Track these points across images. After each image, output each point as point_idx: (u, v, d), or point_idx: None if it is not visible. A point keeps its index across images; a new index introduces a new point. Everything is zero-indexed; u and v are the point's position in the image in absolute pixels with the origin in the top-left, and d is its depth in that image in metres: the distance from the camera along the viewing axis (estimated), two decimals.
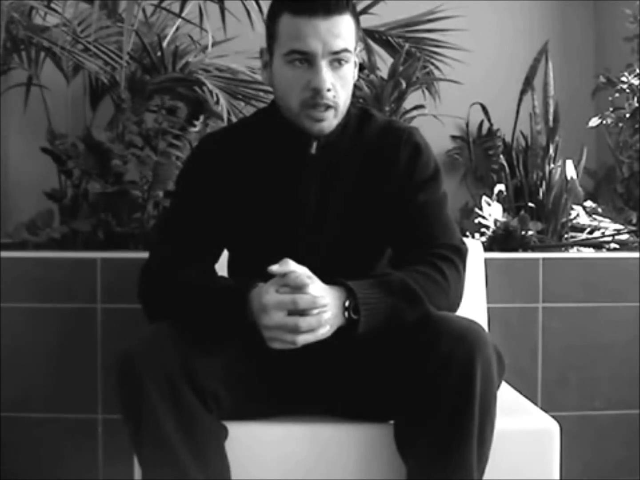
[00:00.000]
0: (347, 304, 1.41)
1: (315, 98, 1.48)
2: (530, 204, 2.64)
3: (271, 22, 1.52)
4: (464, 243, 1.59)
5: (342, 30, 1.47)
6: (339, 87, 1.49)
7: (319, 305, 1.37)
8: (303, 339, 1.37)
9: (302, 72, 1.47)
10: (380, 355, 1.48)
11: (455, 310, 1.54)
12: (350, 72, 1.52)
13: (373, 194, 1.58)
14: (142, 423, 1.38)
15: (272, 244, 1.56)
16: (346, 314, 1.42)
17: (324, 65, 1.46)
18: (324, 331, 1.38)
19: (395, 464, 1.46)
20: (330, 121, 1.51)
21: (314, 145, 1.56)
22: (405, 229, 1.56)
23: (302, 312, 1.36)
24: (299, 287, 1.38)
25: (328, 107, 1.49)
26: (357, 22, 1.54)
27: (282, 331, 1.37)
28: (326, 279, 1.44)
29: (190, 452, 1.39)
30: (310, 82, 1.47)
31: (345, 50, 1.48)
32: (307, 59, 1.47)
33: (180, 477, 1.38)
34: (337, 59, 1.48)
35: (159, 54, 2.54)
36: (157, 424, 1.37)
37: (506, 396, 1.77)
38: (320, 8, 1.44)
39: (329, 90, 1.47)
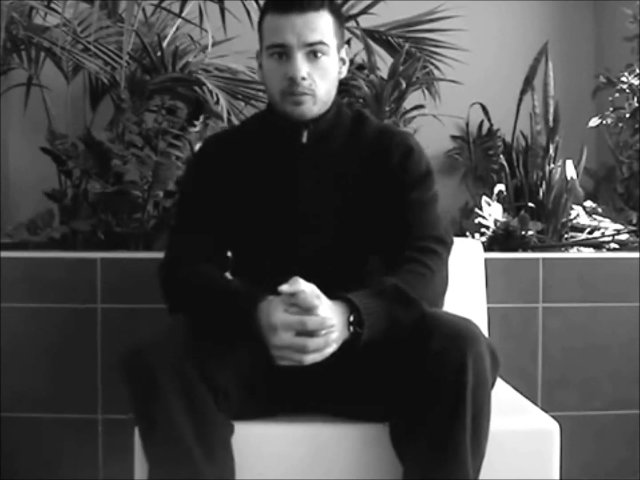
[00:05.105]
0: (351, 319, 1.44)
1: (292, 87, 1.57)
2: (530, 204, 2.64)
3: (259, 23, 1.63)
4: (449, 235, 1.63)
5: (319, 25, 1.56)
6: (316, 77, 1.58)
7: (327, 327, 1.39)
8: (311, 359, 1.39)
9: (281, 64, 1.57)
10: (376, 356, 1.49)
11: (442, 297, 1.58)
12: (330, 64, 1.60)
13: (366, 192, 1.61)
14: (154, 417, 1.39)
15: (272, 237, 1.61)
16: (351, 328, 1.44)
17: (299, 56, 1.55)
18: (331, 350, 1.41)
19: (394, 463, 1.46)
20: (310, 106, 1.59)
21: (305, 134, 1.62)
22: (394, 225, 1.60)
23: (311, 333, 1.38)
24: (308, 309, 1.40)
25: (305, 94, 1.57)
26: (339, 20, 1.63)
27: (290, 351, 1.39)
28: (326, 276, 1.46)
29: (202, 449, 1.39)
30: (287, 73, 1.56)
31: (321, 42, 1.57)
32: (285, 52, 1.56)
33: (193, 477, 1.39)
34: (312, 51, 1.56)
35: (159, 54, 2.54)
36: (169, 419, 1.38)
37: (506, 396, 1.77)
38: (295, 6, 1.55)
39: (304, 79, 1.56)
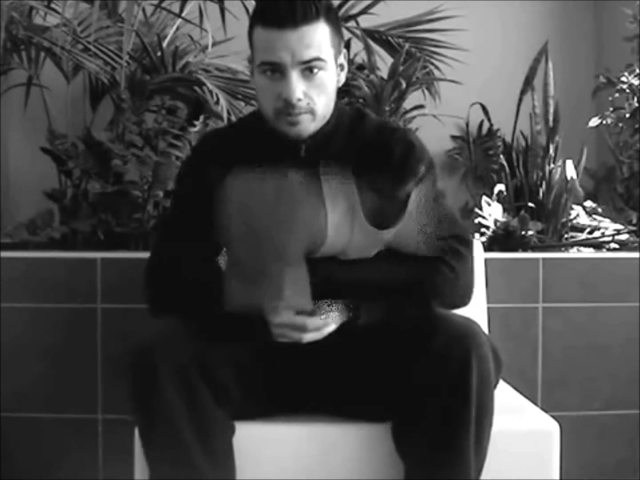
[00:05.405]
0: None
1: (287, 108, 1.49)
2: (530, 204, 2.64)
3: (249, 35, 1.55)
4: (467, 232, 1.59)
5: (314, 40, 1.47)
6: (314, 94, 1.50)
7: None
8: (309, 337, 1.42)
9: (274, 82, 1.49)
10: (379, 354, 1.49)
11: (467, 300, 1.56)
12: (328, 78, 1.52)
13: (368, 190, 1.57)
14: (155, 417, 1.39)
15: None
16: (350, 314, 1.45)
17: (294, 75, 1.47)
18: (330, 329, 1.42)
19: (395, 463, 1.46)
20: (307, 125, 1.52)
21: (303, 148, 1.56)
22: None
23: (311, 312, 1.40)
24: None
25: (301, 113, 1.50)
26: (336, 27, 1.53)
27: (289, 329, 1.41)
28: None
29: (203, 449, 1.39)
30: (281, 93, 1.48)
31: (317, 59, 1.48)
32: (278, 70, 1.48)
33: (193, 478, 1.39)
34: (308, 68, 1.48)
35: (159, 54, 2.54)
36: (170, 418, 1.38)
37: (506, 396, 1.77)
38: (288, 20, 1.45)
39: (299, 99, 1.48)
